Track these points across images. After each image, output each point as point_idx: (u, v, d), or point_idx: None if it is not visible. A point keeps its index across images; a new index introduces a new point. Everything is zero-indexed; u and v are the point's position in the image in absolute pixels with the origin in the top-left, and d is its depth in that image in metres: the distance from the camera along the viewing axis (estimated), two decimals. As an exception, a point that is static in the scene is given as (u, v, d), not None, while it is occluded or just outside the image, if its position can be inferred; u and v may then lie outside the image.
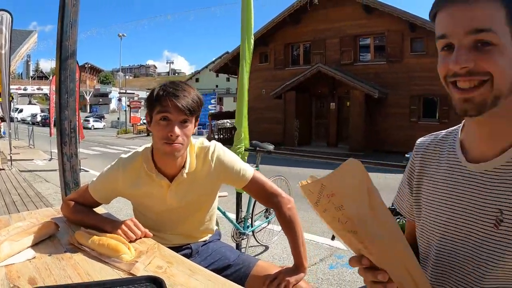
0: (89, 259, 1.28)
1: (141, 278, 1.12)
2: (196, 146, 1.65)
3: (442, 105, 15.35)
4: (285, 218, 1.63)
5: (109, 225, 1.52)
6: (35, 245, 1.40)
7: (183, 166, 1.60)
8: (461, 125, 0.99)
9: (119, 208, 5.15)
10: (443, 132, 1.05)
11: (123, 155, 1.69)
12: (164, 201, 1.63)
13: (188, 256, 1.63)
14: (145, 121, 1.67)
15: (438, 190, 0.97)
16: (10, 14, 8.97)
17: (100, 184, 1.69)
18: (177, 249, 1.57)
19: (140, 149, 1.68)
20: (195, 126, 1.57)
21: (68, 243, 1.42)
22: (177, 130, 1.46)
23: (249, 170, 1.68)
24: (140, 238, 1.48)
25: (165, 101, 1.45)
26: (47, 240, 1.46)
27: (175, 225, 1.73)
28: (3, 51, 8.84)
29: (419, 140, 1.10)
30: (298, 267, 1.59)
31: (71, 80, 3.54)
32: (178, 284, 1.12)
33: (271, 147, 4.03)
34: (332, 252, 4.27)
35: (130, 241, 1.42)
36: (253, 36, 3.74)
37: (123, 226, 1.48)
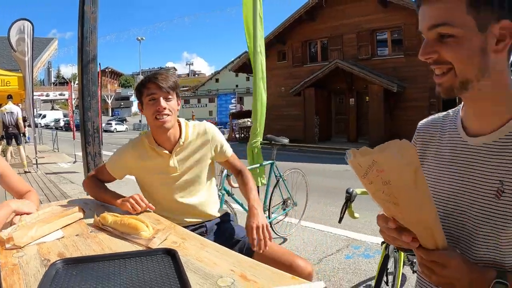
0: (112, 237, 1.45)
1: (157, 250, 1.26)
2: (191, 123, 2.00)
3: (462, 96, 15.06)
4: (245, 177, 2.03)
5: (119, 199, 1.82)
6: (63, 228, 1.57)
7: (180, 137, 1.92)
8: (462, 104, 1.03)
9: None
10: (445, 112, 1.10)
11: (132, 138, 2.06)
12: (167, 169, 1.92)
13: (202, 234, 1.89)
14: None
15: (440, 167, 1.02)
16: (31, 22, 9.31)
17: (114, 160, 2.04)
18: (193, 228, 1.87)
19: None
20: (178, 104, 1.93)
21: (93, 225, 1.59)
22: (163, 103, 1.83)
23: (230, 149, 2.11)
24: (145, 210, 1.76)
25: (149, 84, 1.85)
26: (74, 224, 1.63)
27: (182, 203, 1.95)
28: (26, 58, 9.17)
29: (420, 123, 1.16)
30: (251, 209, 1.78)
31: (93, 83, 3.75)
32: (189, 255, 1.26)
33: (285, 140, 4.09)
34: (349, 243, 4.39)
35: (137, 214, 1.70)
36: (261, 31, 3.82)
37: (131, 199, 1.76)
